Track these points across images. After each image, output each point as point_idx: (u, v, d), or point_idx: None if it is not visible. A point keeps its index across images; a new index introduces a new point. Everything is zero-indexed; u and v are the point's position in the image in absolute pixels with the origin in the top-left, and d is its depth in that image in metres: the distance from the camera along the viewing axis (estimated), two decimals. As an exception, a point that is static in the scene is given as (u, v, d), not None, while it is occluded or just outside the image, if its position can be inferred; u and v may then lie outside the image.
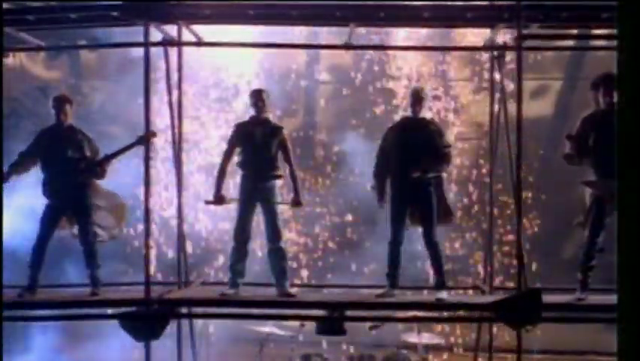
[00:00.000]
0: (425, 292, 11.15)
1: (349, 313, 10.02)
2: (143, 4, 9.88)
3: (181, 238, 11.22)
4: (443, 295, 10.05)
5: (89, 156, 10.33)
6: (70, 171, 10.20)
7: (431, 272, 10.49)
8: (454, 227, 14.55)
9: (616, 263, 6.33)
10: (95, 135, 10.69)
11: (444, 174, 10.35)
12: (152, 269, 10.98)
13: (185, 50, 11.34)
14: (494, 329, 11.38)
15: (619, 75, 6.55)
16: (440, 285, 10.13)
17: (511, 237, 11.91)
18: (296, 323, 11.52)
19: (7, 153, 10.08)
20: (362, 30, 12.21)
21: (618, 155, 6.55)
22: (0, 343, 8.66)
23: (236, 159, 10.35)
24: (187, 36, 10.98)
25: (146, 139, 10.06)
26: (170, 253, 12.83)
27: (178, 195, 11.19)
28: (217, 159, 10.72)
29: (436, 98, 15.08)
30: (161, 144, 13.00)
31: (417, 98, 10.21)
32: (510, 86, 10.66)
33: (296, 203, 10.44)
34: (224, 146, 10.58)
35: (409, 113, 10.33)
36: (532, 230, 14.16)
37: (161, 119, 11.76)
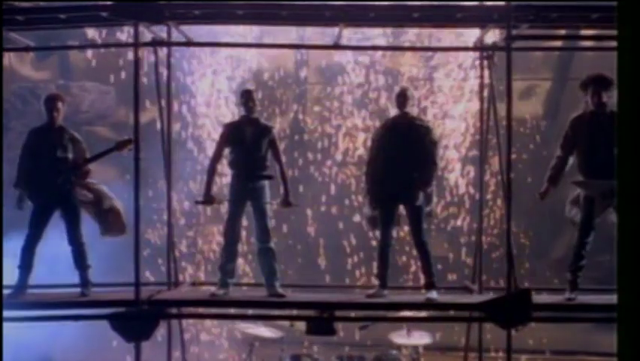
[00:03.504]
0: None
1: (339, 313, 10.02)
2: (133, 5, 9.86)
3: (171, 238, 11.20)
4: (433, 295, 10.05)
5: (73, 157, 10.31)
6: (58, 171, 10.18)
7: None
8: (446, 227, 14.65)
9: (616, 263, 6.35)
10: (84, 136, 10.68)
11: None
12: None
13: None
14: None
15: (619, 76, 6.57)
16: (430, 285, 10.14)
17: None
18: (286, 323, 11.50)
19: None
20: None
21: (618, 155, 6.59)
22: (0, 342, 8.64)
23: (226, 158, 10.35)
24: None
25: (123, 145, 10.10)
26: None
27: (168, 194, 11.18)
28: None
29: (426, 99, 15.14)
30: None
31: (403, 98, 10.23)
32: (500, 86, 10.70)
33: (286, 203, 10.44)
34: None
35: (396, 112, 10.34)
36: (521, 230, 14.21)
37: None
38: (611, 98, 9.69)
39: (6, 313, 9.13)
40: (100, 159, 10.47)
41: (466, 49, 12.15)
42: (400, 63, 16.01)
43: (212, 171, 10.37)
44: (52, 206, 10.26)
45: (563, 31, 11.41)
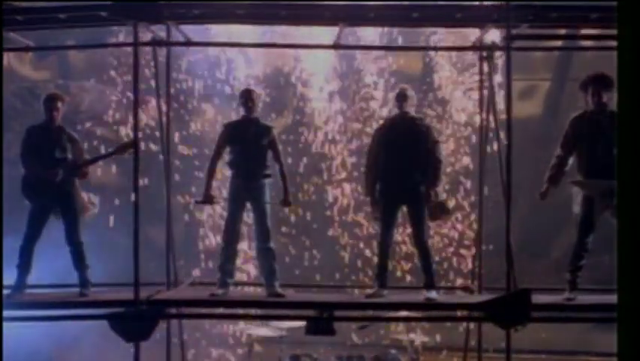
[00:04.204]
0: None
1: (339, 313, 10.01)
2: (132, 5, 9.85)
3: (170, 238, 11.19)
4: (432, 294, 10.04)
5: (72, 157, 10.30)
6: (56, 171, 10.16)
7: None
8: (444, 227, 14.62)
9: (615, 263, 6.36)
10: (83, 136, 10.69)
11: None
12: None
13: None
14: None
15: (619, 76, 6.58)
16: (429, 285, 10.13)
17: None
18: (285, 323, 11.50)
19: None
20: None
21: (618, 155, 6.59)
22: (0, 342, 8.63)
23: (226, 158, 10.34)
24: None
25: (124, 148, 10.12)
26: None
27: (167, 193, 11.18)
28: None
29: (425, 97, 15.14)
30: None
31: (403, 98, 10.23)
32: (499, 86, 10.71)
33: (285, 203, 10.43)
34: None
35: (395, 112, 10.34)
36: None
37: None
38: (611, 100, 9.69)
39: (5, 313, 9.13)
40: (100, 161, 10.51)
41: (465, 48, 12.14)
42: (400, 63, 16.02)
43: (211, 171, 10.36)
44: (51, 206, 10.25)
45: (562, 31, 11.41)
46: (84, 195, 10.45)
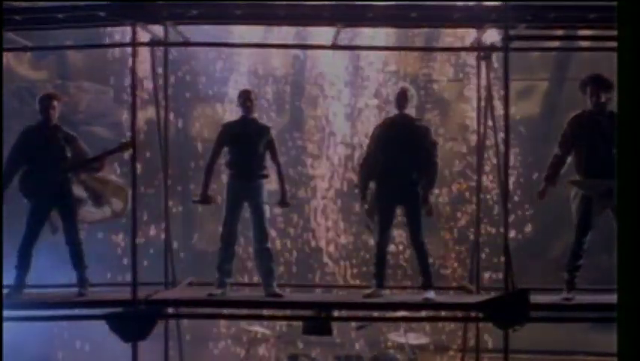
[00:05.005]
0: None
1: (336, 313, 10.01)
2: (131, 5, 9.85)
3: (168, 238, 11.19)
4: (430, 295, 10.04)
5: (72, 155, 10.28)
6: (54, 170, 10.15)
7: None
8: (444, 227, 14.62)
9: (615, 263, 6.36)
10: (82, 136, 10.69)
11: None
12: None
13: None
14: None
15: (619, 76, 6.58)
16: (427, 285, 10.13)
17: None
18: (283, 323, 11.50)
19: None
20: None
21: (618, 155, 6.59)
22: (0, 343, 8.63)
23: (224, 158, 10.35)
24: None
25: (125, 147, 10.13)
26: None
27: (165, 194, 11.17)
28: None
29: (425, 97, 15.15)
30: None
31: (403, 98, 10.22)
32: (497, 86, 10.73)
33: (283, 203, 10.43)
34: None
35: (395, 112, 10.33)
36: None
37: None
38: (610, 100, 9.70)
39: (5, 313, 9.13)
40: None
41: (464, 49, 12.16)
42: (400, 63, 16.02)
43: (209, 171, 10.35)
44: (50, 205, 10.23)
45: (560, 32, 11.42)
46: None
